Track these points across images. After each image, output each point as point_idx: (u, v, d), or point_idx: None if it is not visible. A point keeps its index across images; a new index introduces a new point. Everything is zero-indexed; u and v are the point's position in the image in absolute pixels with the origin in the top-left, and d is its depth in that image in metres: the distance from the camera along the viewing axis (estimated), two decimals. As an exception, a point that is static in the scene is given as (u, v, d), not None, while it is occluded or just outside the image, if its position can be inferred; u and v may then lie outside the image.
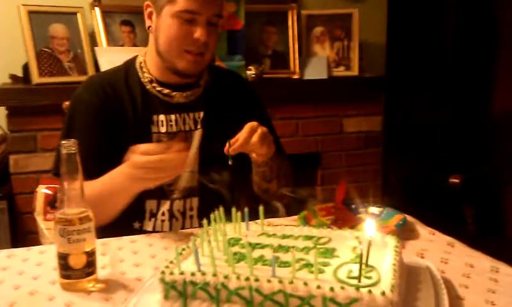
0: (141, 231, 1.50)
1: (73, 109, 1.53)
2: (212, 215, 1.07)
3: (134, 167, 1.25)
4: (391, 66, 3.21)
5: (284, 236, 1.08)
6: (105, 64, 2.44)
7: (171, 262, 0.94)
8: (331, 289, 0.82)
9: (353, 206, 1.40)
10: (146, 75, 1.53)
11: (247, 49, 2.80)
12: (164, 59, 1.48)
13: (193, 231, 1.40)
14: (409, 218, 1.40)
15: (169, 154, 1.22)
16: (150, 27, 1.50)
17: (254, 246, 1.01)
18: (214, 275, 0.88)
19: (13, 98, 2.40)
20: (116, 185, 1.32)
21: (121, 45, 2.62)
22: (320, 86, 2.88)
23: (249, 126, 1.39)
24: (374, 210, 1.43)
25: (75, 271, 1.03)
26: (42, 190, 1.67)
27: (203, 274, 0.89)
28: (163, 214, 1.54)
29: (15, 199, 2.46)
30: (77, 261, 1.03)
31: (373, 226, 0.98)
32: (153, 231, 1.51)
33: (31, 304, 1.00)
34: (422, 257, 1.18)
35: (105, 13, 2.61)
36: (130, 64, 1.58)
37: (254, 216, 1.15)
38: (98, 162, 1.40)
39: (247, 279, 0.86)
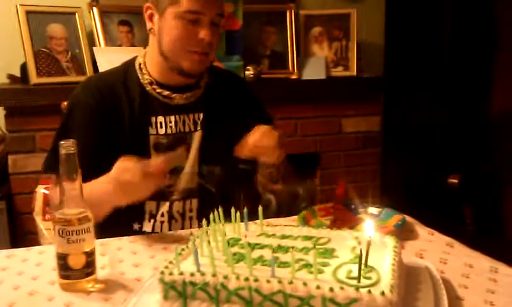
0: (141, 232, 1.50)
1: (69, 109, 1.53)
2: (211, 216, 1.07)
3: (113, 180, 1.25)
4: (389, 66, 3.21)
5: (283, 237, 1.08)
6: (104, 64, 2.44)
7: (171, 262, 0.94)
8: (331, 289, 0.82)
9: (352, 206, 1.40)
10: (145, 76, 1.53)
11: (245, 49, 2.80)
12: (169, 60, 1.48)
13: (193, 231, 1.40)
14: (408, 218, 1.40)
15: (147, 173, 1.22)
16: (151, 29, 1.50)
17: (253, 246, 1.01)
18: (214, 275, 0.88)
19: (11, 98, 2.39)
20: (100, 193, 1.31)
21: (119, 45, 2.62)
22: (318, 86, 2.88)
23: (263, 129, 1.39)
24: (373, 210, 1.43)
25: (74, 271, 1.03)
26: (41, 191, 1.66)
27: (203, 274, 0.89)
28: (162, 215, 1.54)
29: (14, 199, 2.45)
30: (77, 261, 1.03)
31: (372, 226, 0.98)
32: (153, 232, 1.51)
33: (31, 305, 1.00)
34: (421, 257, 1.18)
35: (103, 13, 2.61)
36: (129, 65, 1.57)
37: (254, 216, 1.15)
38: (93, 162, 1.40)
39: (246, 279, 0.86)
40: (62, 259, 1.03)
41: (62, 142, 1.03)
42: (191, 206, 1.57)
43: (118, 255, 1.23)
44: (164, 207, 1.54)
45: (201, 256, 0.94)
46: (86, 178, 1.29)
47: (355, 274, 0.86)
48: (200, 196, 1.57)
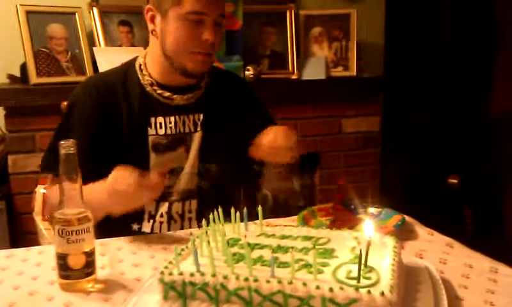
0: (140, 232, 1.50)
1: (68, 109, 1.53)
2: (211, 216, 1.07)
3: (107, 191, 1.24)
4: (389, 66, 3.21)
5: (283, 237, 1.08)
6: (104, 65, 2.44)
7: (170, 262, 0.94)
8: (331, 289, 0.82)
9: (352, 206, 1.40)
10: (146, 77, 1.53)
11: (245, 49, 2.80)
12: (172, 61, 1.48)
13: (192, 231, 1.40)
14: (408, 218, 1.40)
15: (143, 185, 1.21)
16: (153, 30, 1.49)
17: (253, 247, 1.01)
18: (213, 275, 0.88)
19: (11, 98, 2.40)
20: (95, 200, 1.30)
21: (119, 45, 2.62)
22: (318, 86, 2.88)
23: (278, 129, 1.39)
24: (373, 210, 1.43)
25: (74, 271, 1.03)
26: (41, 191, 1.66)
27: (202, 274, 0.89)
28: (161, 216, 1.54)
29: (13, 199, 2.46)
30: (76, 261, 1.03)
31: (372, 226, 0.98)
32: (152, 232, 1.51)
33: (30, 305, 1.00)
34: (421, 257, 1.18)
35: (103, 13, 2.61)
36: (129, 65, 1.57)
37: (254, 215, 1.15)
38: (92, 162, 1.40)
39: (246, 279, 0.86)
40: (62, 259, 1.03)
41: (62, 142, 1.03)
42: (190, 207, 1.56)
43: (118, 255, 1.23)
44: (164, 208, 1.54)
45: (200, 256, 0.94)
46: (85, 178, 1.29)
47: (355, 274, 0.86)
48: (200, 197, 1.57)
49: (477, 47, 3.23)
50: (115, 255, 1.23)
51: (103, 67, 2.44)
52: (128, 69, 1.56)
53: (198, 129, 1.55)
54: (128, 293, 1.02)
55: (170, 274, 0.90)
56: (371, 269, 0.89)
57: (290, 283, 0.84)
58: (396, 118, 3.34)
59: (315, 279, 0.86)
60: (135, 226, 1.52)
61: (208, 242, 0.99)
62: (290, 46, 2.92)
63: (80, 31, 2.56)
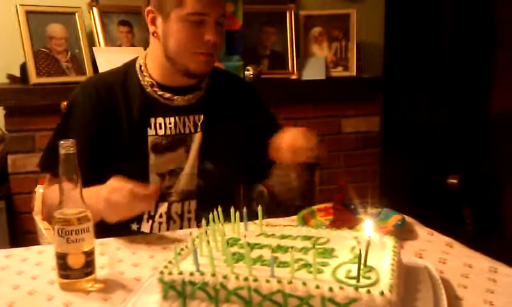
0: (139, 232, 1.50)
1: (67, 109, 1.53)
2: (210, 216, 1.07)
3: (102, 200, 1.24)
4: (389, 66, 3.21)
5: (283, 237, 1.08)
6: (104, 65, 2.44)
7: (170, 262, 0.94)
8: (330, 289, 0.82)
9: (352, 206, 1.40)
10: (146, 78, 1.53)
11: (245, 49, 2.80)
12: (175, 62, 1.48)
13: (192, 231, 1.40)
14: (408, 218, 1.40)
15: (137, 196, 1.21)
16: (154, 32, 1.49)
17: (253, 246, 1.01)
18: (213, 275, 0.88)
19: (10, 98, 2.40)
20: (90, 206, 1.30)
21: (119, 45, 2.62)
22: (318, 86, 2.88)
23: (297, 130, 1.40)
24: (373, 210, 1.43)
25: (73, 271, 1.03)
26: (40, 190, 1.66)
27: (202, 274, 0.89)
28: (161, 216, 1.54)
29: (13, 199, 2.46)
30: (76, 261, 1.03)
31: (371, 226, 0.98)
32: (151, 232, 1.51)
33: (30, 304, 1.00)
34: (421, 257, 1.18)
35: (103, 13, 2.61)
36: (129, 66, 1.57)
37: (254, 216, 1.15)
38: (90, 163, 1.40)
39: (246, 279, 0.86)
40: (61, 258, 1.03)
41: (62, 142, 1.03)
42: (190, 208, 1.56)
43: (118, 255, 1.23)
44: (163, 208, 1.54)
45: (200, 256, 0.94)
46: (84, 180, 1.29)
47: (354, 273, 0.86)
48: (199, 197, 1.57)
49: (476, 47, 3.23)
50: (115, 255, 1.23)
51: (103, 67, 2.44)
52: (128, 70, 1.56)
53: (198, 130, 1.55)
54: (128, 292, 1.02)
55: (170, 273, 0.90)
56: (371, 269, 0.89)
57: (290, 282, 0.84)
58: (396, 118, 3.34)
59: (315, 279, 0.86)
60: (134, 226, 1.51)
61: (208, 242, 0.99)
62: (290, 46, 2.92)
63: (80, 31, 2.56)
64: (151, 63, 1.54)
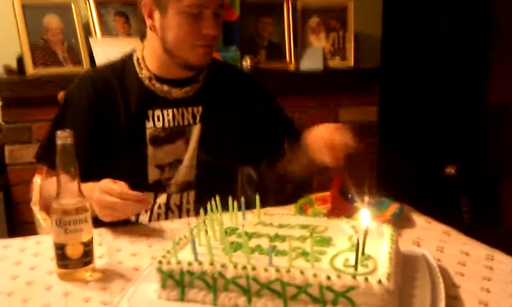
0: (137, 223, 1.50)
1: (64, 103, 1.53)
2: (208, 205, 1.07)
3: (94, 202, 1.23)
4: (386, 57, 3.21)
5: (281, 226, 1.08)
6: (100, 55, 2.43)
7: (168, 252, 0.94)
8: (328, 277, 0.82)
9: (349, 195, 1.40)
10: (144, 71, 1.52)
11: (242, 40, 2.79)
12: (174, 55, 1.47)
13: (190, 220, 1.40)
14: (405, 207, 1.41)
15: (125, 199, 1.21)
16: (152, 26, 1.48)
17: (251, 235, 1.01)
18: (211, 264, 0.88)
19: (7, 90, 2.39)
20: None
21: (116, 36, 2.61)
22: (316, 76, 2.88)
23: (331, 126, 1.37)
24: (370, 199, 1.43)
25: (72, 261, 1.03)
26: (38, 181, 1.66)
27: (200, 263, 0.89)
28: (159, 207, 1.54)
29: (11, 189, 2.46)
30: (74, 251, 1.03)
31: (369, 215, 0.98)
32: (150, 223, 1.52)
33: (29, 294, 1.00)
34: (418, 245, 1.18)
35: (100, 4, 2.60)
36: (126, 59, 1.56)
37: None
38: (87, 156, 1.40)
39: (244, 268, 0.86)
40: (60, 249, 1.03)
41: (58, 133, 1.03)
42: (188, 199, 1.57)
43: (116, 244, 1.23)
44: (162, 199, 1.54)
45: (198, 246, 0.94)
46: (81, 172, 1.29)
47: (352, 262, 0.86)
48: (197, 188, 1.57)
49: (474, 37, 3.23)
50: (113, 244, 1.23)
51: (99, 58, 2.44)
52: (125, 62, 1.55)
53: (197, 121, 1.55)
54: (126, 282, 1.02)
55: (168, 263, 0.90)
56: (368, 257, 0.89)
57: (288, 271, 0.84)
58: (393, 108, 3.35)
59: (313, 268, 0.86)
60: (133, 217, 1.51)
61: (206, 231, 0.99)
62: (288, 36, 2.91)
63: (76, 22, 2.55)
64: (148, 56, 1.53)
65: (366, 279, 0.81)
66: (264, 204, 1.17)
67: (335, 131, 1.38)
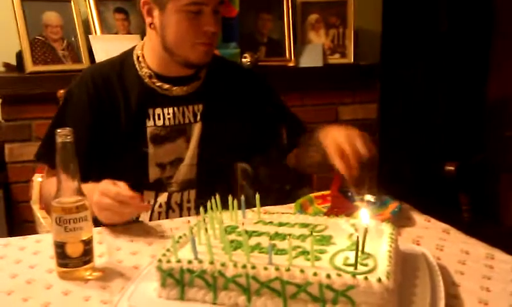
0: (137, 222, 1.50)
1: (64, 101, 1.53)
2: (208, 204, 1.07)
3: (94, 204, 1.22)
4: (386, 53, 3.20)
5: (281, 224, 1.08)
6: (100, 52, 2.43)
7: (168, 250, 0.94)
8: (328, 276, 0.82)
9: (349, 194, 1.40)
10: (144, 69, 1.51)
11: (242, 37, 2.79)
12: (174, 53, 1.46)
13: (190, 219, 1.40)
14: (405, 205, 1.41)
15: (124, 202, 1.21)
16: (151, 23, 1.47)
17: (251, 234, 1.01)
18: (211, 263, 0.88)
19: (6, 87, 2.38)
20: None
21: (115, 33, 2.61)
22: (315, 73, 2.87)
23: (351, 135, 1.32)
24: (370, 197, 1.43)
25: (72, 260, 1.03)
26: (38, 179, 1.66)
27: (200, 261, 0.89)
28: (160, 206, 1.54)
29: (11, 188, 2.46)
30: (74, 249, 1.03)
31: (368, 213, 0.98)
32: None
33: (28, 293, 1.00)
34: (418, 244, 1.18)
35: (99, 1, 2.59)
36: (126, 56, 1.56)
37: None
38: (86, 155, 1.40)
39: (244, 266, 0.86)
40: (60, 247, 1.03)
41: (58, 131, 1.03)
42: (189, 197, 1.56)
43: (116, 243, 1.23)
44: (163, 198, 1.54)
45: (198, 244, 0.94)
46: (82, 171, 1.29)
47: (352, 260, 0.86)
48: (198, 186, 1.56)
49: (474, 34, 3.22)
50: (113, 243, 1.23)
51: (99, 55, 2.43)
52: (125, 60, 1.55)
53: (198, 120, 1.55)
54: (126, 281, 1.02)
55: (168, 261, 0.90)
56: (368, 256, 0.89)
57: (288, 269, 0.84)
58: (393, 105, 3.34)
59: (313, 266, 0.86)
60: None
61: (206, 230, 0.99)
62: (287, 33, 2.91)
63: (75, 19, 2.54)
64: (148, 54, 1.53)
65: (366, 278, 0.81)
66: (261, 200, 1.16)
67: (350, 138, 1.31)
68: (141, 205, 1.25)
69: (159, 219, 1.52)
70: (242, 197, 1.14)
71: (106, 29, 2.59)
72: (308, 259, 0.88)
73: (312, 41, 2.96)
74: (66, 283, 1.03)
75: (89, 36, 2.52)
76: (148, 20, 1.47)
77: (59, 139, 1.02)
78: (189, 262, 0.89)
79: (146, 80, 1.51)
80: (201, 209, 1.06)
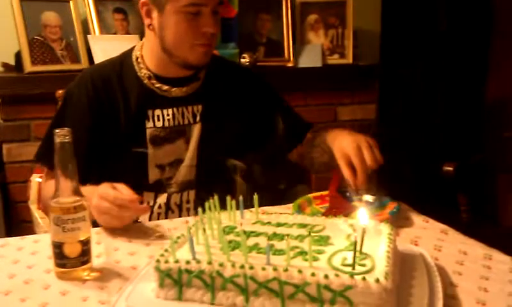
0: (135, 222, 1.50)
1: (63, 102, 1.53)
2: (206, 204, 1.07)
3: (93, 208, 1.22)
4: (385, 54, 3.21)
5: (279, 225, 1.08)
6: (99, 53, 2.43)
7: (166, 250, 0.94)
8: (326, 276, 0.82)
9: (347, 194, 1.40)
10: (143, 70, 1.51)
11: (241, 37, 2.79)
12: (173, 55, 1.46)
13: (188, 219, 1.40)
14: (403, 206, 1.41)
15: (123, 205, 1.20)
16: (150, 25, 1.47)
17: (249, 234, 1.01)
18: (209, 263, 0.88)
19: (5, 87, 2.38)
20: None
21: (114, 33, 2.61)
22: (314, 74, 2.87)
23: (360, 145, 1.35)
24: (368, 198, 1.43)
25: (70, 260, 1.03)
26: (36, 179, 1.66)
27: (198, 262, 0.89)
28: (160, 207, 1.53)
29: (8, 188, 2.45)
30: (72, 250, 1.03)
31: (367, 214, 0.98)
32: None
33: (26, 293, 1.00)
34: (416, 244, 1.18)
35: (98, 1, 2.59)
36: (125, 57, 1.55)
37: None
38: (86, 157, 1.40)
39: (242, 267, 0.86)
40: (57, 247, 1.03)
41: (57, 131, 1.02)
42: (188, 198, 1.56)
43: (114, 243, 1.23)
44: (162, 199, 1.53)
45: (196, 244, 0.94)
46: (81, 173, 1.29)
47: (350, 261, 0.86)
48: (197, 187, 1.56)
49: (473, 33, 3.22)
50: (111, 244, 1.23)
51: (98, 55, 2.43)
52: (124, 61, 1.54)
53: (198, 120, 1.54)
54: (124, 281, 1.02)
55: (166, 261, 0.90)
56: (366, 256, 0.89)
57: (286, 270, 0.84)
58: (391, 105, 3.34)
59: (311, 267, 0.86)
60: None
61: (204, 230, 0.99)
62: (286, 33, 2.91)
63: (74, 19, 2.54)
64: (147, 55, 1.52)
65: (364, 278, 0.81)
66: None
67: (358, 149, 1.34)
68: (140, 208, 1.25)
69: (158, 220, 1.52)
70: (241, 198, 1.13)
71: (105, 29, 2.59)
72: (306, 260, 0.88)
73: (311, 42, 2.96)
74: (64, 283, 1.03)
75: (88, 36, 2.52)
76: (146, 21, 1.47)
77: (57, 139, 1.02)
78: (187, 262, 0.89)
79: (146, 81, 1.51)
80: (200, 209, 1.06)
